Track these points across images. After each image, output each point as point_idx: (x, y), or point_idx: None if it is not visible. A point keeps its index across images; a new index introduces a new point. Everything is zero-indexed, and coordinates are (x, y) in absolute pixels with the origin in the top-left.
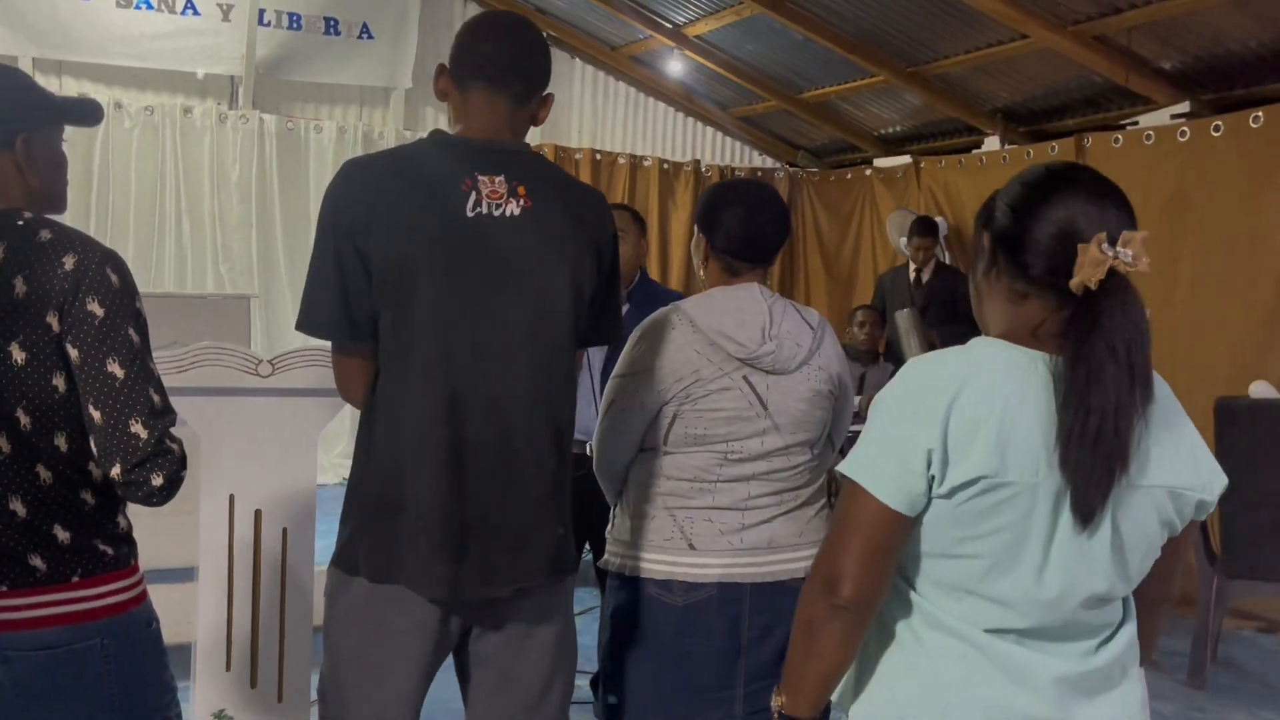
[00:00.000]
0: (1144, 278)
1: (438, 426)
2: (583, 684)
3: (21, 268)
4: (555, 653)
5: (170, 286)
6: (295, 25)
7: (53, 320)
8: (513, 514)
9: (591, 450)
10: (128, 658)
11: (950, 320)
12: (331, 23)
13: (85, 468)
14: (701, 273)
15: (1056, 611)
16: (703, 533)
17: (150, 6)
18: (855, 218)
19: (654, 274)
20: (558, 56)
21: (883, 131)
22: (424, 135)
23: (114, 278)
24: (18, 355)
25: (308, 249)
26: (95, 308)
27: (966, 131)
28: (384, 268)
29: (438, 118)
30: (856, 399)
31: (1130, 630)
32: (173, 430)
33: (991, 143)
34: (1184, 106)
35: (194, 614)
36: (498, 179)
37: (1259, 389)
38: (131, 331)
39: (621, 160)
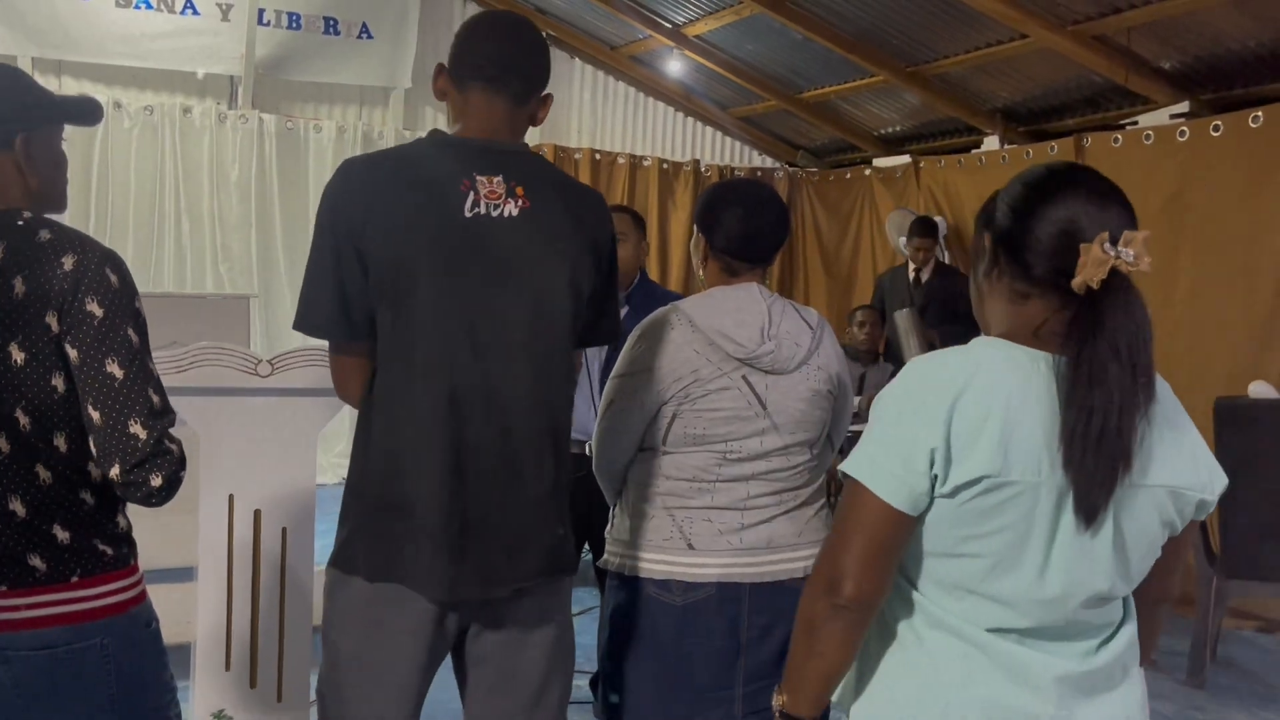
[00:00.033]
0: (1143, 278)
1: (439, 426)
2: (582, 684)
3: (21, 268)
4: (553, 652)
5: (170, 286)
6: (295, 25)
7: (52, 320)
8: (513, 514)
9: (591, 450)
10: (127, 657)
11: (949, 320)
12: (331, 22)
13: (85, 468)
14: (700, 273)
15: (1058, 611)
16: (702, 532)
17: (149, 6)
18: (855, 217)
19: (653, 274)
20: (557, 56)
21: (882, 131)
22: (423, 135)
23: (113, 278)
24: (17, 355)
25: (307, 249)
26: (94, 308)
27: (966, 131)
28: (382, 267)
29: (437, 117)
30: (856, 399)
31: (1130, 630)
32: (172, 430)
33: (991, 142)
34: (1183, 106)
35: (193, 614)
36: (496, 179)
37: (1258, 389)
38: (131, 332)
39: (621, 160)
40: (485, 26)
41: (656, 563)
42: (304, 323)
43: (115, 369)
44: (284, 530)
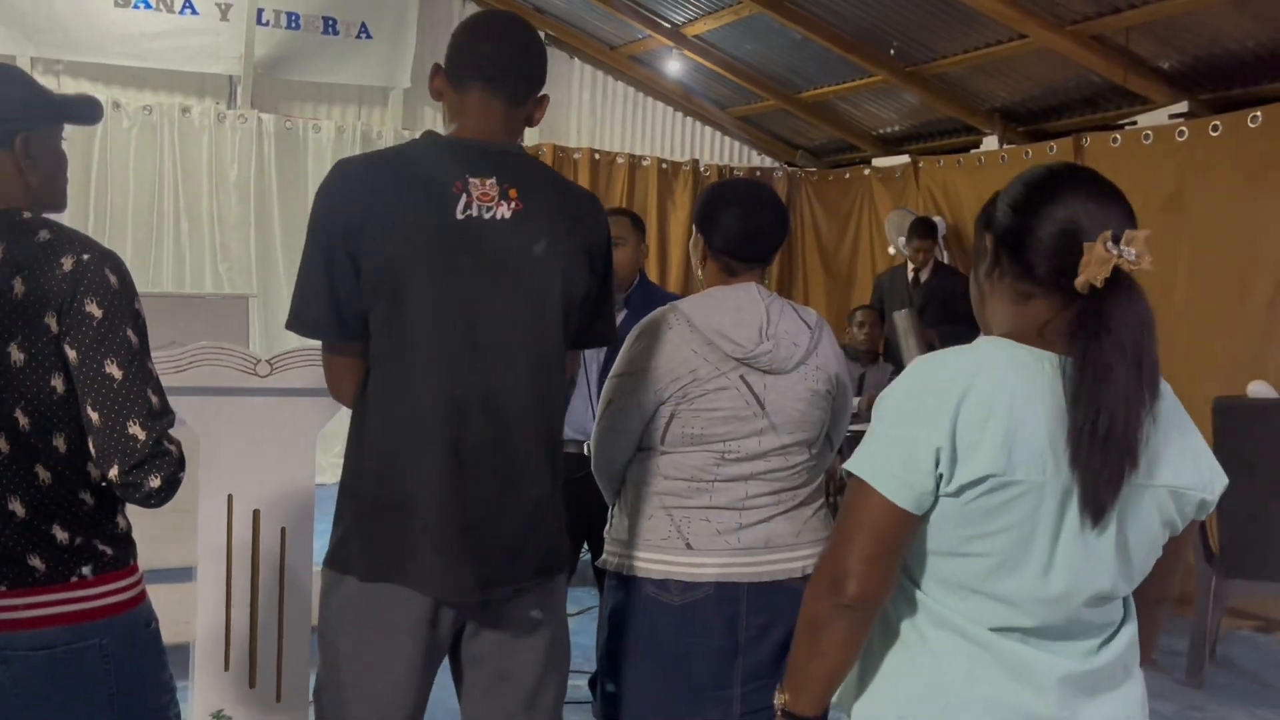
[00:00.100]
0: (1142, 278)
1: (438, 426)
2: (581, 684)
3: (20, 268)
4: (549, 651)
5: (169, 286)
6: (293, 25)
7: (51, 321)
8: (511, 514)
9: (590, 450)
10: (127, 658)
11: (949, 320)
12: (330, 22)
13: (84, 468)
14: (699, 272)
15: (1061, 610)
16: (700, 532)
17: (149, 6)
18: (854, 217)
19: (653, 274)
20: (557, 56)
21: (881, 131)
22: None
23: (113, 278)
24: (16, 356)
25: None
26: (94, 309)
27: (965, 131)
28: (377, 267)
29: (436, 118)
30: (856, 399)
31: (1131, 629)
32: (171, 431)
33: (990, 142)
34: (1182, 106)
35: (193, 614)
36: (489, 181)
37: (1257, 388)
38: (130, 332)
39: (620, 160)
40: (483, 26)
41: (655, 562)
42: (296, 322)
43: (114, 370)
44: (283, 530)
